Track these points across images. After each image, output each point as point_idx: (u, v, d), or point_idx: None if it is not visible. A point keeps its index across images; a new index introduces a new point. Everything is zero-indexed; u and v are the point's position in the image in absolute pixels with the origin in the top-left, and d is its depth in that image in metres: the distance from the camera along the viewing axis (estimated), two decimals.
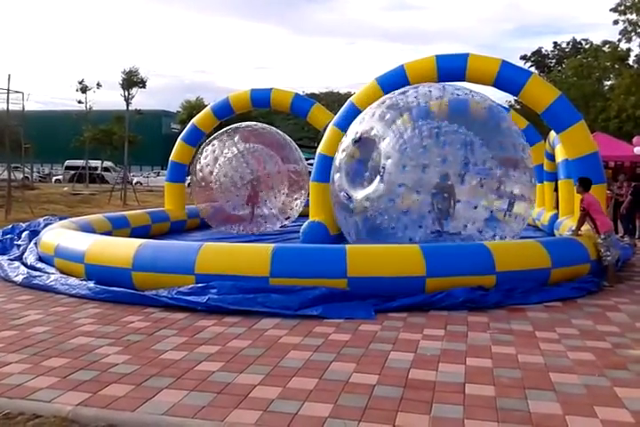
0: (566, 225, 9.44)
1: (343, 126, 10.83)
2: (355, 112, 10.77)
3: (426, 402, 3.67)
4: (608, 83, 42.96)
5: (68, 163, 44.77)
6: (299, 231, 10.32)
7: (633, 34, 37.91)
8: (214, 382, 4.02)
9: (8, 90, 18.40)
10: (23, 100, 21.74)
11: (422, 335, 5.18)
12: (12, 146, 20.32)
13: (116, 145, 34.38)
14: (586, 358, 4.57)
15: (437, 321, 5.68)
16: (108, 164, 43.45)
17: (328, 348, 4.80)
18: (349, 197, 8.13)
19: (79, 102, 35.66)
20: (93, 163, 42.62)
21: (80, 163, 41.30)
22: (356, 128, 8.65)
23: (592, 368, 4.33)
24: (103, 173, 41.28)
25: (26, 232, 9.89)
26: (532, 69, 47.24)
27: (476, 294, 6.24)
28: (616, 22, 40.04)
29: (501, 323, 5.63)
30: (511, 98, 43.51)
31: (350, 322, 5.61)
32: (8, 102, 18.18)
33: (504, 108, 16.75)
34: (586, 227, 7.99)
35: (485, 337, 5.14)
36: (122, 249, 6.94)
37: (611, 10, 39.63)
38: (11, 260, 8.24)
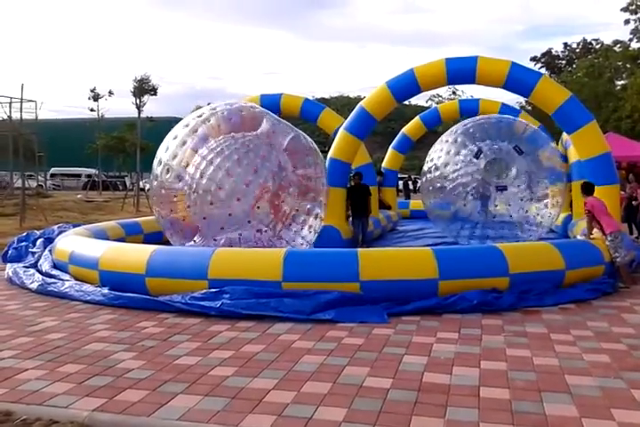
0: (580, 226, 9.38)
1: (353, 131, 10.87)
2: (365, 116, 10.80)
3: (440, 406, 3.66)
4: (620, 82, 42.68)
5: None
6: None
7: None
8: (228, 386, 4.04)
9: (21, 99, 18.64)
10: (36, 108, 22.04)
11: (436, 339, 5.16)
12: (26, 154, 20.57)
13: (129, 152, 34.63)
14: (601, 361, 4.54)
15: (451, 324, 5.65)
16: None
17: (341, 352, 4.80)
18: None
19: (91, 110, 36.04)
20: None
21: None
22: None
23: (608, 370, 4.30)
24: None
25: (40, 240, 9.97)
26: (543, 71, 47.03)
27: (490, 296, 6.21)
28: (627, 22, 39.85)
29: (516, 325, 5.60)
30: (522, 99, 43.40)
31: (363, 326, 5.60)
32: (21, 111, 18.40)
33: (515, 109, 16.80)
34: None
35: (500, 340, 5.11)
36: (135, 255, 6.99)
37: (622, 9, 39.46)
38: (26, 267, 8.32)
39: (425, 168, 12.29)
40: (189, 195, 7.87)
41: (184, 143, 8.11)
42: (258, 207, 8.02)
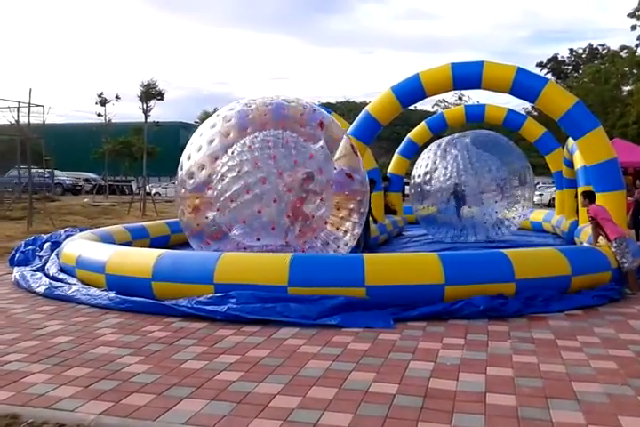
0: (587, 232, 9.35)
1: (359, 136, 10.89)
2: (370, 121, 10.83)
3: (446, 412, 3.65)
4: (626, 88, 42.60)
5: None
6: None
7: None
8: (234, 391, 4.04)
9: (29, 103, 18.76)
10: (44, 113, 22.20)
11: (442, 345, 5.15)
12: (34, 158, 20.68)
13: (135, 157, 34.74)
14: (608, 367, 4.51)
15: (457, 330, 5.64)
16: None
17: (347, 357, 4.79)
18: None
19: (98, 115, 36.10)
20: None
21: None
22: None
23: (615, 377, 4.27)
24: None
25: (47, 243, 10.02)
26: (549, 76, 46.98)
27: (496, 302, 6.19)
28: (634, 28, 39.84)
29: (522, 332, 5.58)
30: (527, 105, 43.41)
31: (369, 331, 5.60)
32: (29, 115, 18.52)
33: (521, 115, 16.79)
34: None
35: (506, 346, 5.10)
36: (142, 259, 7.01)
37: (628, 15, 39.46)
38: (33, 271, 8.36)
39: (413, 175, 14.02)
40: (214, 195, 7.67)
41: (211, 142, 7.84)
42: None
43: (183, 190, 8.10)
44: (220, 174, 7.67)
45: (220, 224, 7.75)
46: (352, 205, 8.15)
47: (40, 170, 37.95)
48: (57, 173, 39.71)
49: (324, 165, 7.85)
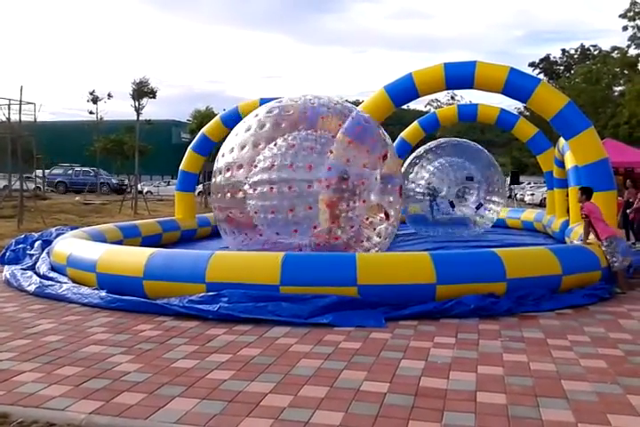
0: (577, 232, 9.41)
1: None
2: None
3: (437, 410, 3.67)
4: (618, 89, 42.87)
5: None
6: None
7: None
8: (225, 390, 4.04)
9: (20, 101, 18.59)
10: (35, 110, 22.01)
11: (433, 343, 5.17)
12: (25, 156, 20.55)
13: (127, 155, 34.60)
14: (598, 366, 4.55)
15: (448, 329, 5.66)
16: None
17: (339, 356, 4.80)
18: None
19: (90, 113, 35.88)
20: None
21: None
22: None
23: (604, 376, 4.30)
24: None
25: (38, 242, 9.97)
26: (541, 77, 47.19)
27: (487, 301, 6.22)
28: (625, 28, 40.10)
29: (513, 330, 5.61)
30: (520, 105, 43.59)
31: (361, 330, 5.61)
32: (20, 113, 18.36)
33: (513, 115, 16.84)
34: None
35: (497, 345, 5.12)
36: (133, 258, 6.99)
37: (620, 16, 39.70)
38: (23, 269, 8.32)
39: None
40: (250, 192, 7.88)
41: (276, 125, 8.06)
42: (310, 208, 7.65)
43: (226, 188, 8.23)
44: (267, 162, 7.88)
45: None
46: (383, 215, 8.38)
47: (85, 168, 37.83)
48: (101, 171, 39.51)
49: (366, 194, 8.04)
